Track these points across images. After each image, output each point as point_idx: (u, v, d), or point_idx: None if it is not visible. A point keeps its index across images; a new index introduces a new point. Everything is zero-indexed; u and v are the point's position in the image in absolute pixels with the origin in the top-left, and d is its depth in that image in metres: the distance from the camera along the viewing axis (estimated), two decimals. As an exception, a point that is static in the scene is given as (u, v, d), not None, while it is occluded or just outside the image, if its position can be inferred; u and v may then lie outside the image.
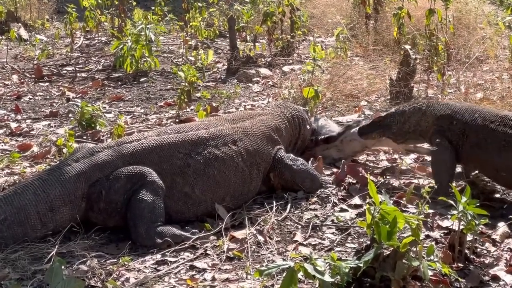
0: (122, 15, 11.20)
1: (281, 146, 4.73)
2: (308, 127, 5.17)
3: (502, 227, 3.93)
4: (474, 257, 3.61)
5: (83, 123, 6.19)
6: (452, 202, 3.55)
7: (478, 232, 3.58)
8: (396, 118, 4.76)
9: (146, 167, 4.06)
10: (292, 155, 4.72)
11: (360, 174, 4.65)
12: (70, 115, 6.81)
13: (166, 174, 4.11)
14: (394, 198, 4.37)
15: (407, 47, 7.08)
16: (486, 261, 3.60)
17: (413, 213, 4.04)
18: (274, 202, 4.40)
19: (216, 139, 4.36)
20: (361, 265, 3.22)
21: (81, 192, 4.00)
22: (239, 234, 3.97)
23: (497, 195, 4.51)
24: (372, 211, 3.31)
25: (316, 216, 4.24)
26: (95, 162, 4.07)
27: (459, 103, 4.78)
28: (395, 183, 4.71)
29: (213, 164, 4.26)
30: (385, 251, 3.27)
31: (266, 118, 4.82)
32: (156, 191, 3.99)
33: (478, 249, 3.70)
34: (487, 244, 3.76)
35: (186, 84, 6.96)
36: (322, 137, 5.23)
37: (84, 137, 5.95)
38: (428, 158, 5.14)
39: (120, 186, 4.00)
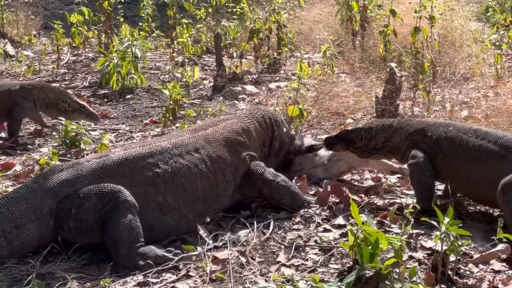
0: (109, 32, 11.16)
1: (250, 151, 4.73)
2: (284, 129, 5.19)
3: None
4: (457, 278, 3.60)
5: (67, 141, 6.14)
6: (435, 223, 3.55)
7: (461, 253, 3.57)
8: (362, 134, 4.87)
9: (117, 179, 4.05)
10: (272, 170, 4.71)
11: (344, 194, 4.63)
12: (54, 133, 6.77)
13: (138, 186, 4.12)
14: (378, 218, 4.37)
15: (393, 65, 7.08)
16: (469, 282, 3.58)
17: (397, 233, 4.04)
18: (256, 222, 4.37)
19: (179, 148, 4.40)
20: (343, 287, 3.21)
21: (49, 209, 3.94)
22: (221, 255, 3.94)
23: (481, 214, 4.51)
24: (355, 232, 3.30)
25: (299, 236, 4.21)
26: (63, 177, 4.03)
27: (432, 119, 5.09)
28: (379, 202, 4.70)
29: (180, 172, 4.30)
30: (368, 272, 3.26)
31: (230, 122, 4.84)
32: (130, 210, 3.95)
33: (461, 270, 3.69)
34: (470, 265, 3.74)
35: (171, 102, 6.94)
36: (306, 146, 5.26)
37: (68, 156, 5.91)
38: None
39: (91, 205, 3.94)
